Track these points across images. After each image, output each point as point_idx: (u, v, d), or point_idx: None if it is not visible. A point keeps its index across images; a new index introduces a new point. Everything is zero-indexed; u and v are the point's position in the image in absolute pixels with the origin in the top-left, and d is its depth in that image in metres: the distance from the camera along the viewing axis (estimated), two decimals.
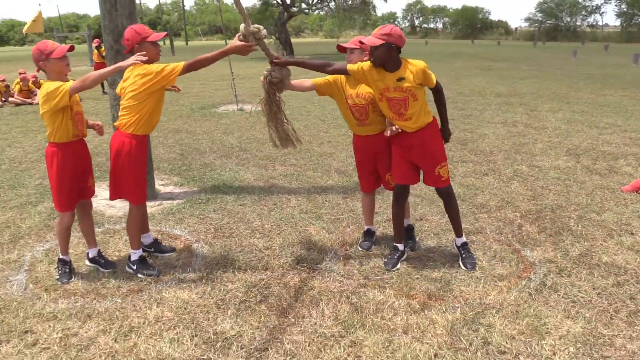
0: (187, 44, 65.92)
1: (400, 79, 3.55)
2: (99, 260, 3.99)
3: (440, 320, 3.28)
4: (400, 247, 4.07)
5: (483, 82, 17.15)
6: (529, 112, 11.08)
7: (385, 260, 4.03)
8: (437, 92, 3.74)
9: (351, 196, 5.66)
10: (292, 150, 7.66)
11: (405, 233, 4.21)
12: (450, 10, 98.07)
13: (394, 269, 3.93)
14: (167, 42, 49.78)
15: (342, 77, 3.97)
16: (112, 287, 3.72)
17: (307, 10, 36.99)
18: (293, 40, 38.43)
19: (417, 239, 4.42)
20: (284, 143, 3.99)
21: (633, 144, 8.10)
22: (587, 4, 75.27)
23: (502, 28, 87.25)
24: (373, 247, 4.33)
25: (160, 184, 6.14)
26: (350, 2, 38.92)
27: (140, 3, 70.11)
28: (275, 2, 36.23)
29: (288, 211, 5.20)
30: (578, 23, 75.13)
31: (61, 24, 52.27)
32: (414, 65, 3.56)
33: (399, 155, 3.86)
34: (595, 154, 7.41)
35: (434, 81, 3.64)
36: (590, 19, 76.00)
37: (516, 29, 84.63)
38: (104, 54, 16.18)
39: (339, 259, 4.15)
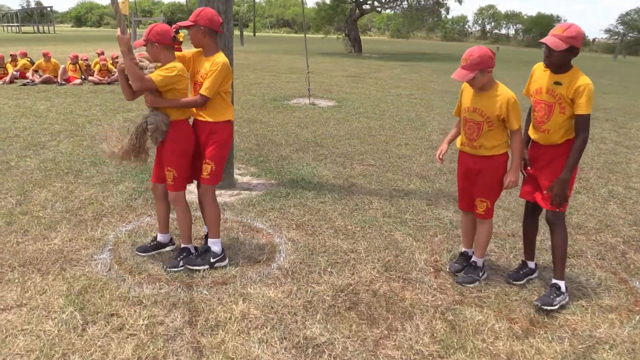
0: (254, 35, 66.78)
1: (557, 83, 3.25)
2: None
3: (547, 350, 2.98)
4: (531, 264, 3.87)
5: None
6: (617, 129, 10.35)
7: (510, 273, 3.84)
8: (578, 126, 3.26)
9: (435, 203, 5.36)
10: (370, 150, 7.43)
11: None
12: (525, 16, 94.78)
13: (519, 282, 3.76)
14: (238, 32, 50.61)
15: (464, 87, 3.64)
16: (197, 277, 3.61)
17: (379, 9, 36.51)
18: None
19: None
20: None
21: None
22: None
23: None
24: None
25: (238, 173, 6.05)
26: (423, 2, 38.17)
27: None
28: None
29: (371, 213, 4.97)
30: None
31: (136, 8, 54.29)
32: (581, 79, 3.19)
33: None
34: None
35: (584, 110, 3.19)
36: None
37: (594, 40, 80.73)
38: (181, 39, 16.62)
39: (429, 270, 3.88)
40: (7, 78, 13.07)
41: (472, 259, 3.80)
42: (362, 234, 4.48)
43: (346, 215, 4.88)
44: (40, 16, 67.18)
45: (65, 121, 8.64)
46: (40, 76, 13.29)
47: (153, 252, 3.91)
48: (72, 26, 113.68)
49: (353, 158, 7.00)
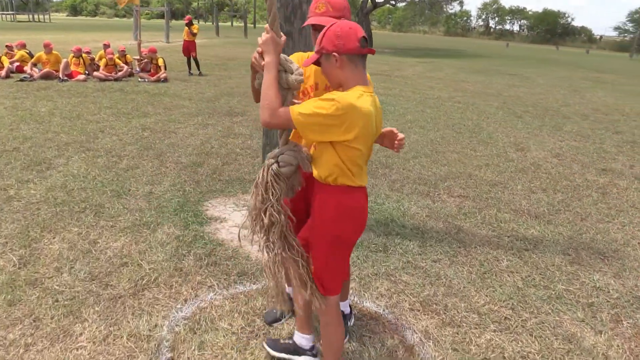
0: (255, 26, 65.01)
1: None
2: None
3: None
4: None
5: (610, 98, 14.98)
6: None
7: None
8: None
9: (578, 260, 4.01)
10: (449, 173, 6.07)
11: None
12: (530, 12, 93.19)
13: None
14: (241, 24, 49.02)
15: None
16: None
17: (393, 2, 35.02)
18: None
19: None
20: (277, 300, 2.30)
21: None
22: None
23: (585, 35, 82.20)
24: None
25: None
26: None
27: None
28: None
29: (509, 281, 3.62)
30: None
31: None
32: None
33: None
34: None
35: None
36: None
37: (600, 37, 79.55)
38: (195, 31, 15.13)
39: None
40: (3, 72, 11.55)
41: None
42: (520, 322, 3.12)
43: (479, 285, 3.53)
44: (35, 4, 65.22)
45: (72, 129, 7.21)
46: (40, 70, 11.81)
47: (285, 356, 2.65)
48: (67, 15, 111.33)
49: (436, 186, 5.63)
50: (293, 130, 2.31)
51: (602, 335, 3.06)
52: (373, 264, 3.71)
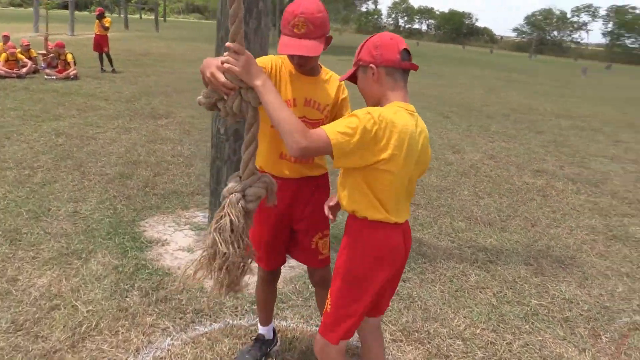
0: (165, 20, 62.48)
1: None
2: None
3: None
4: None
5: (523, 97, 15.75)
6: (616, 143, 9.63)
7: None
8: None
9: (543, 272, 3.96)
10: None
11: None
12: (437, 12, 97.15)
13: None
14: (150, 16, 46.83)
15: None
16: None
17: None
18: None
19: None
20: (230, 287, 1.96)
21: None
22: (574, 20, 75.70)
23: (487, 35, 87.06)
24: None
25: None
26: None
27: None
28: None
29: (483, 299, 3.46)
30: (563, 38, 75.56)
31: None
32: None
33: None
34: None
35: None
36: (575, 35, 76.60)
37: (501, 37, 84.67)
38: (107, 25, 13.98)
39: None
40: None
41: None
42: (505, 346, 2.95)
43: (454, 305, 3.34)
44: None
45: None
46: None
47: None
48: None
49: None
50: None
51: (586, 353, 2.97)
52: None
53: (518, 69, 30.48)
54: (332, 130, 1.63)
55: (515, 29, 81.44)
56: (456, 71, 23.99)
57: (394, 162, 1.70)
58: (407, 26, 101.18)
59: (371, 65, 1.77)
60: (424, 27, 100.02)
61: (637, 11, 70.59)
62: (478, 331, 3.07)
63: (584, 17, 78.28)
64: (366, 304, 1.90)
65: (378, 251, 1.84)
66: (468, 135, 8.94)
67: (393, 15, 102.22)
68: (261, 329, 2.69)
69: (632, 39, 68.79)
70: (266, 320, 2.66)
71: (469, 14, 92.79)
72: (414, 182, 1.87)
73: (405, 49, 1.79)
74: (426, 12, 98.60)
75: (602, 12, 76.82)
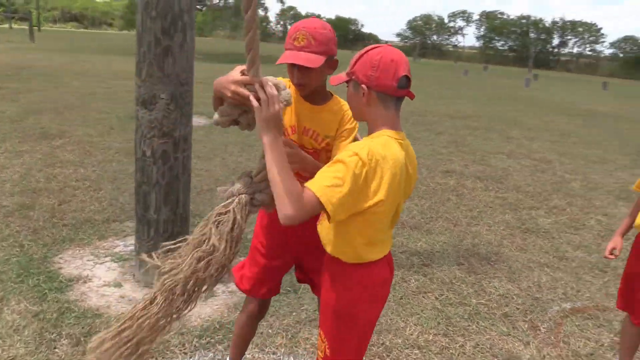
0: (39, 29, 57.87)
1: None
2: None
3: None
4: None
5: (418, 100, 16.39)
6: (508, 139, 10.41)
7: None
8: None
9: (475, 270, 4.12)
10: None
11: None
12: (324, 19, 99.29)
13: None
14: (22, 25, 43.16)
15: None
16: None
17: (199, 7, 34.09)
18: None
19: None
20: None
21: None
22: (451, 25, 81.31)
23: (373, 41, 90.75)
24: None
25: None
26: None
27: None
28: None
29: (427, 304, 3.51)
30: (442, 42, 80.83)
31: None
32: None
33: None
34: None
35: None
36: (453, 39, 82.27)
37: (386, 42, 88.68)
38: None
39: None
40: None
41: None
42: (458, 348, 3.02)
43: (402, 313, 3.36)
44: None
45: None
46: None
47: None
48: None
49: None
50: None
51: (531, 345, 3.11)
52: (291, 310, 3.29)
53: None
54: (319, 186, 1.50)
55: (398, 34, 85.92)
56: None
57: (389, 200, 1.61)
58: None
59: (363, 85, 1.64)
60: None
61: (505, 16, 77.59)
62: (431, 337, 3.11)
63: (460, 22, 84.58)
64: (367, 343, 1.85)
65: (372, 288, 1.77)
66: None
67: (281, 22, 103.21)
68: None
69: (502, 42, 75.71)
70: (237, 358, 2.48)
71: (355, 20, 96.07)
72: (400, 208, 1.81)
73: (406, 75, 1.64)
74: None
75: (475, 17, 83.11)
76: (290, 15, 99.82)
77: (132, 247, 4.00)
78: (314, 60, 1.86)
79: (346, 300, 1.77)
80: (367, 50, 1.66)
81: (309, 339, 2.99)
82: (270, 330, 3.04)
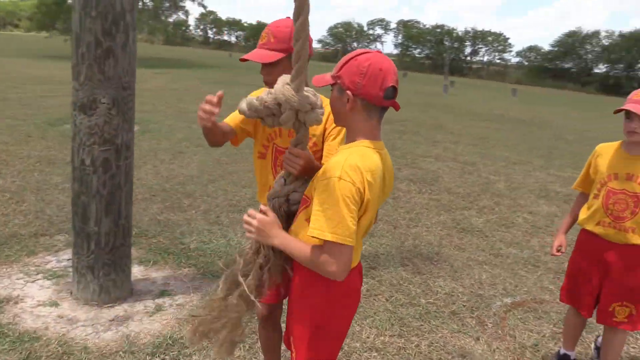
0: None
1: None
2: None
3: None
4: None
5: None
6: (435, 143, 10.81)
7: None
8: None
9: (420, 270, 4.23)
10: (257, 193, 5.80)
11: None
12: (246, 24, 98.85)
13: None
14: None
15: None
16: None
17: None
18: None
19: None
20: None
21: None
22: (370, 32, 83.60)
23: None
24: None
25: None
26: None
27: None
28: None
29: (380, 306, 3.55)
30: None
31: None
32: None
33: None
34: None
35: None
36: (372, 47, 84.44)
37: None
38: None
39: None
40: None
41: None
42: (414, 348, 3.07)
43: (356, 317, 3.36)
44: None
45: None
46: None
47: None
48: None
49: None
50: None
51: (481, 341, 3.23)
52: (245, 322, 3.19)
53: None
54: (323, 229, 1.53)
55: (320, 40, 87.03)
56: None
57: (369, 211, 1.62)
58: (216, 37, 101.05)
59: (348, 92, 1.60)
60: (233, 39, 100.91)
61: (421, 25, 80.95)
62: (387, 339, 3.14)
63: (378, 30, 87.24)
64: (337, 352, 1.84)
65: (344, 297, 1.75)
66: None
67: (202, 27, 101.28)
68: None
69: (419, 50, 78.99)
70: None
71: None
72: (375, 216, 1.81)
73: (393, 86, 1.60)
74: (235, 24, 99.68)
75: (393, 25, 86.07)
76: (210, 19, 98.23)
77: (67, 263, 3.75)
78: (266, 56, 1.90)
79: (318, 309, 1.75)
80: (356, 55, 1.62)
81: None
82: None
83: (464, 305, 3.69)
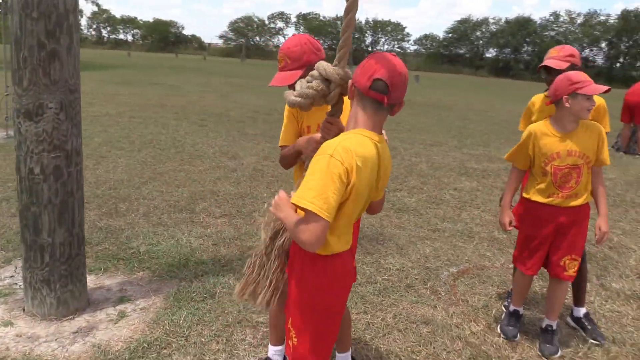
0: None
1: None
2: None
3: None
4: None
5: (258, 99, 16.77)
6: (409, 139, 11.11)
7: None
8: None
9: (369, 251, 4.44)
10: (194, 193, 5.77)
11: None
12: (142, 22, 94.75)
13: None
14: None
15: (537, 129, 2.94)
16: None
17: None
18: None
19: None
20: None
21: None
22: (272, 26, 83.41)
23: (196, 43, 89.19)
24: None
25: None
26: None
27: None
28: None
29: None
30: (266, 43, 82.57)
31: None
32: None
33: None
34: None
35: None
36: (275, 40, 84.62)
37: (209, 44, 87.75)
38: None
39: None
40: None
41: (548, 323, 3.14)
42: (381, 322, 3.25)
43: None
44: None
45: None
46: None
47: None
48: None
49: (192, 210, 5.25)
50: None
51: (438, 308, 3.49)
52: (216, 315, 3.22)
53: (237, 74, 32.09)
54: (302, 197, 1.62)
55: (221, 36, 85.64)
56: (182, 79, 23.89)
57: (353, 194, 1.70)
58: (111, 37, 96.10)
59: (350, 80, 1.80)
60: (129, 38, 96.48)
61: (322, 17, 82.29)
62: (354, 317, 3.30)
63: (279, 24, 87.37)
64: (336, 332, 1.95)
65: (338, 279, 1.87)
66: (233, 141, 9.16)
67: (95, 26, 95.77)
68: (271, 350, 2.61)
69: (321, 41, 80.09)
70: (277, 339, 2.57)
71: (175, 22, 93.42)
72: (366, 206, 1.92)
73: (380, 79, 1.69)
74: (130, 22, 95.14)
75: (293, 18, 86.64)
76: (103, 18, 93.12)
77: (10, 280, 3.56)
78: (287, 78, 2.15)
79: (314, 290, 1.85)
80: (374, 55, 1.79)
81: (244, 339, 2.98)
82: (202, 339, 2.95)
83: (416, 278, 3.94)
